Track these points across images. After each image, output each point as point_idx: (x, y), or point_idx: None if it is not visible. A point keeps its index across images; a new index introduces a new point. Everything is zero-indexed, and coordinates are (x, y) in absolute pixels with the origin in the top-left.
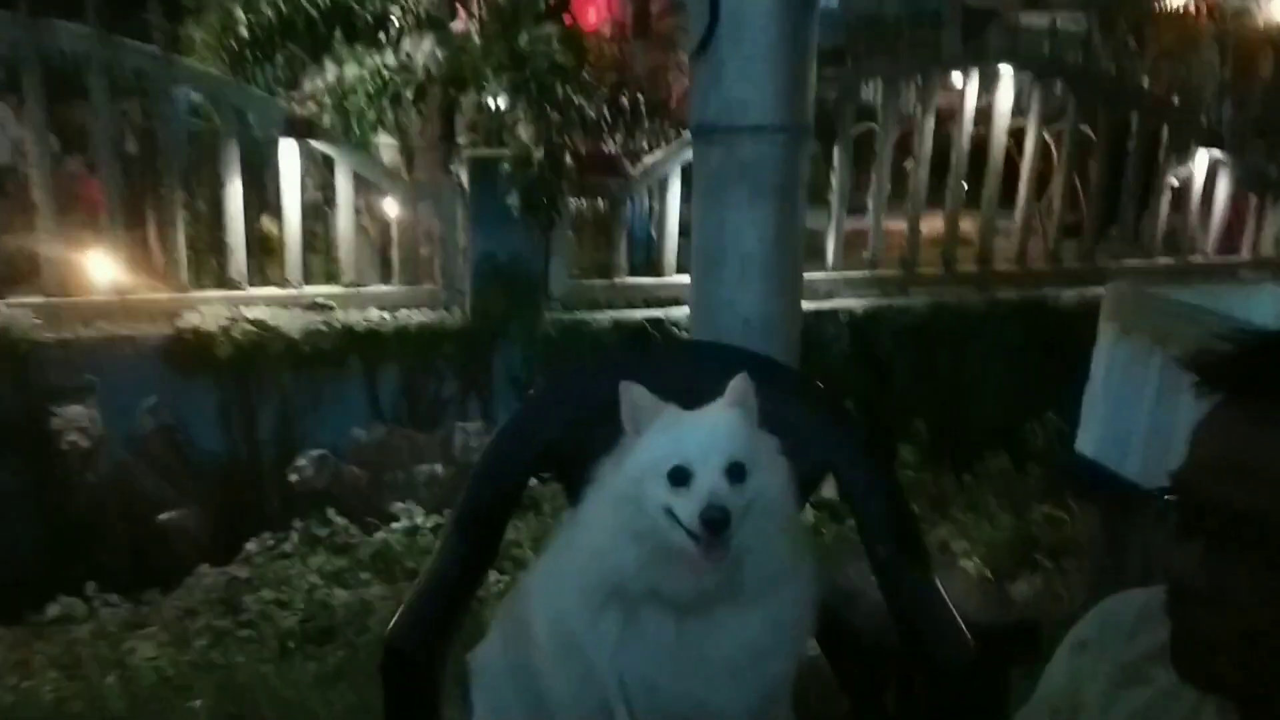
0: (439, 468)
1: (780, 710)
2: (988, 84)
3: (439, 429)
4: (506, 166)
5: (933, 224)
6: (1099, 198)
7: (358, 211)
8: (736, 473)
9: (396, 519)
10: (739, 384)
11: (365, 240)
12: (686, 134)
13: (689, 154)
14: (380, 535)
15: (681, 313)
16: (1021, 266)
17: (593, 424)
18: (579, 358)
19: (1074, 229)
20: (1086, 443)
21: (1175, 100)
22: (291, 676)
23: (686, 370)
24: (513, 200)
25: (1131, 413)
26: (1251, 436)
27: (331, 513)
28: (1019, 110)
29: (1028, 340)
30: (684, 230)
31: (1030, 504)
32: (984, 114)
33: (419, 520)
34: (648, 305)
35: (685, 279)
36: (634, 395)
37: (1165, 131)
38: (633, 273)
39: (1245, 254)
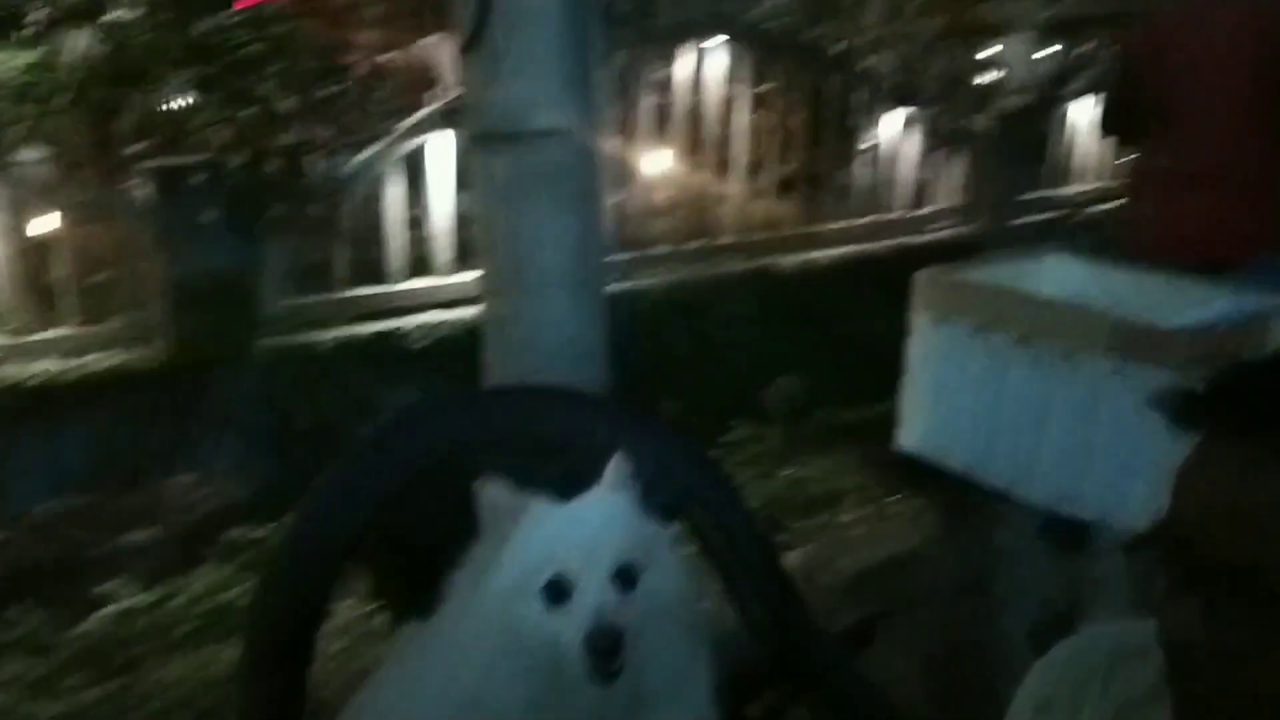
0: (151, 533)
1: None
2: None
3: (144, 489)
4: (199, 175)
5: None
6: (805, 163)
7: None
8: (626, 577)
9: (105, 602)
10: (618, 465)
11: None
12: (403, 124)
13: (408, 146)
14: (86, 626)
15: (417, 322)
16: (744, 236)
17: (419, 496)
18: (305, 388)
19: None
20: (909, 438)
21: (866, 61)
22: None
23: (518, 418)
24: (208, 215)
25: (957, 404)
26: (1244, 480)
27: (19, 609)
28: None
29: (757, 308)
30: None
31: (776, 469)
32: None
33: (133, 600)
34: (377, 318)
35: (419, 284)
36: (492, 495)
37: (862, 93)
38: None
39: (935, 206)
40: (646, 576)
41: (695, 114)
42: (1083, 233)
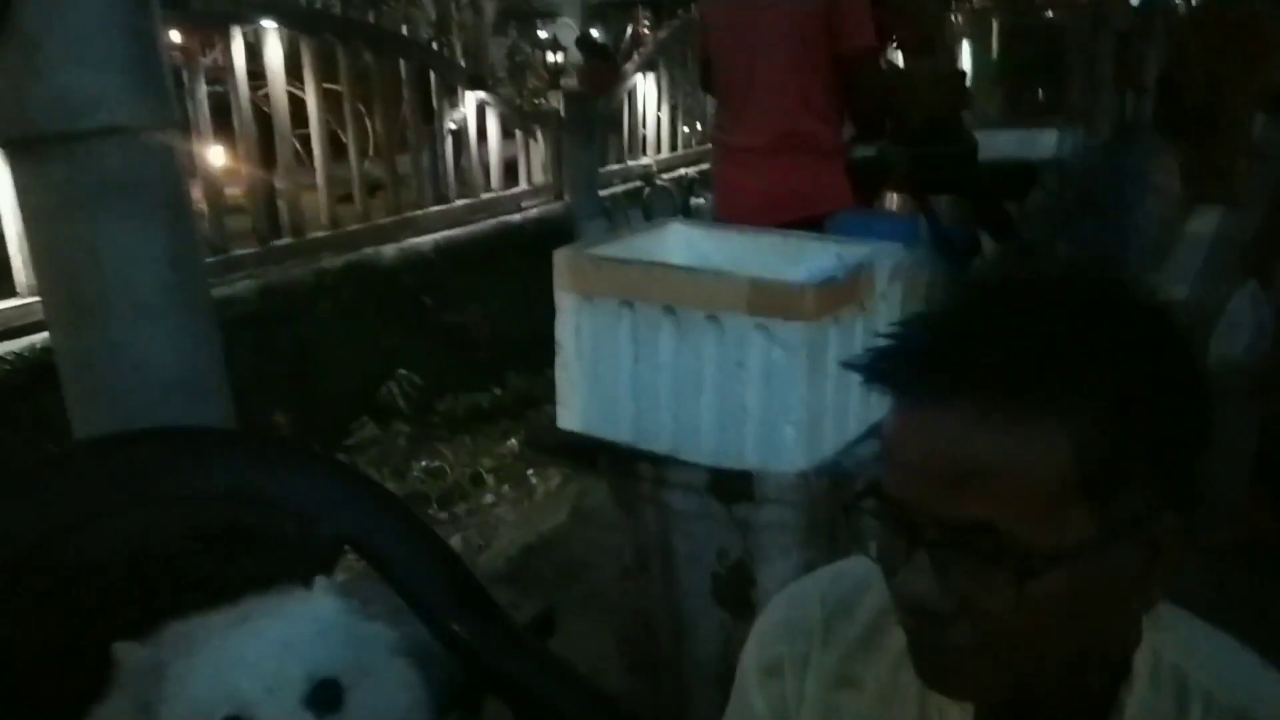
0: None
1: None
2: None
3: None
4: None
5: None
6: (388, 149)
7: None
8: (327, 697)
9: None
10: (322, 579)
11: None
12: None
13: None
14: None
15: None
16: (336, 229)
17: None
18: None
19: (378, 184)
20: (570, 417)
21: (436, 45)
22: None
23: (146, 478)
24: None
25: (613, 378)
26: (943, 439)
27: None
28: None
29: (361, 303)
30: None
31: (408, 463)
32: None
33: None
34: None
35: None
36: (131, 655)
37: (433, 77)
38: None
39: (524, 185)
40: (356, 693)
41: (260, 103)
42: (662, 198)
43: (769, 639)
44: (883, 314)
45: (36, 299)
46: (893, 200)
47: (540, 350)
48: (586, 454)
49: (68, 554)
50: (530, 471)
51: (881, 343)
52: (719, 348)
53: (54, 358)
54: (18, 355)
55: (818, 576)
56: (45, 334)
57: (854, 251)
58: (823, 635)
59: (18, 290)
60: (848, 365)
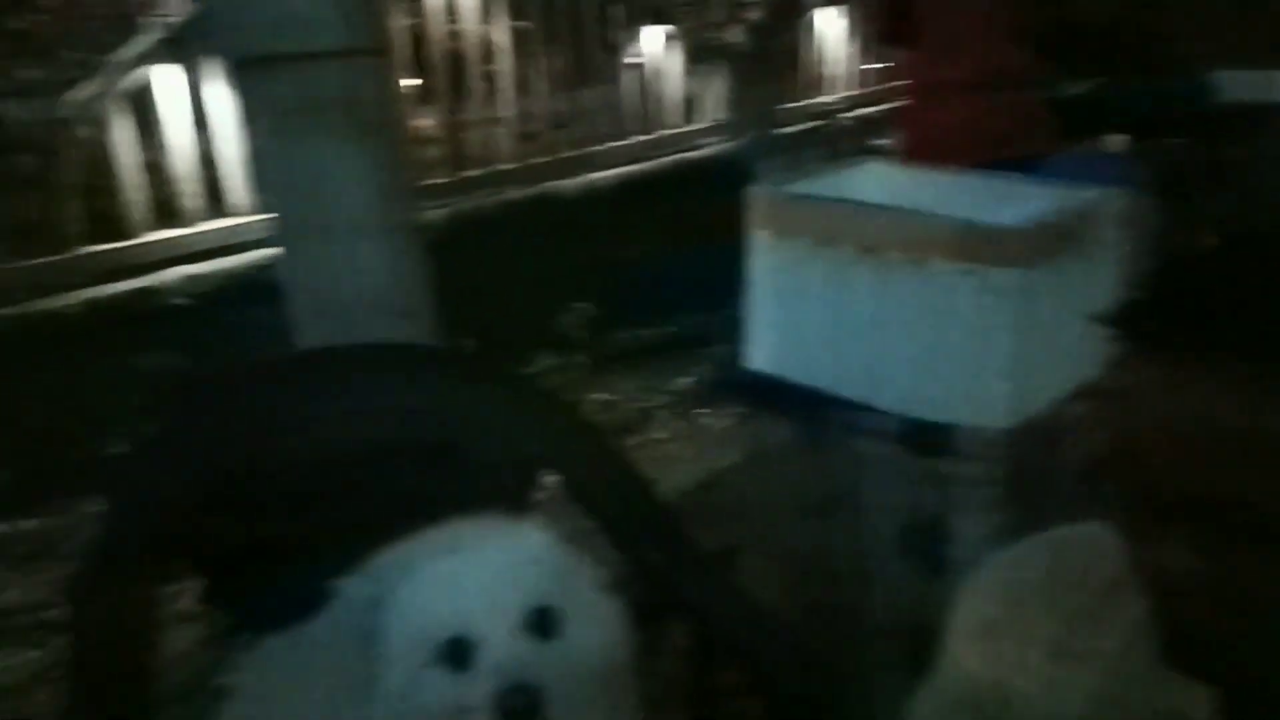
0: None
1: None
2: None
3: None
4: None
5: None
6: (572, 85)
7: None
8: (543, 624)
9: None
10: (538, 488)
11: None
12: (114, 57)
13: (131, 80)
14: None
15: (175, 276)
16: (521, 163)
17: (247, 481)
18: (55, 356)
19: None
20: (759, 357)
21: None
22: None
23: (364, 383)
24: None
25: (805, 320)
26: (1205, 402)
27: None
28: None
29: (543, 236)
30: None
31: (582, 395)
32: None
33: None
34: (123, 276)
35: (167, 235)
36: (347, 588)
37: (616, 12)
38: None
39: (703, 121)
40: (570, 625)
41: (452, 36)
42: (844, 137)
43: (987, 600)
44: (1100, 262)
45: (248, 219)
46: (1106, 142)
47: (715, 289)
48: (774, 396)
49: (283, 456)
50: (700, 409)
51: (1132, 294)
52: (921, 293)
53: (274, 274)
54: (232, 272)
55: (1046, 540)
56: (258, 252)
57: (1070, 195)
58: (1047, 602)
59: (230, 212)
60: (1098, 319)
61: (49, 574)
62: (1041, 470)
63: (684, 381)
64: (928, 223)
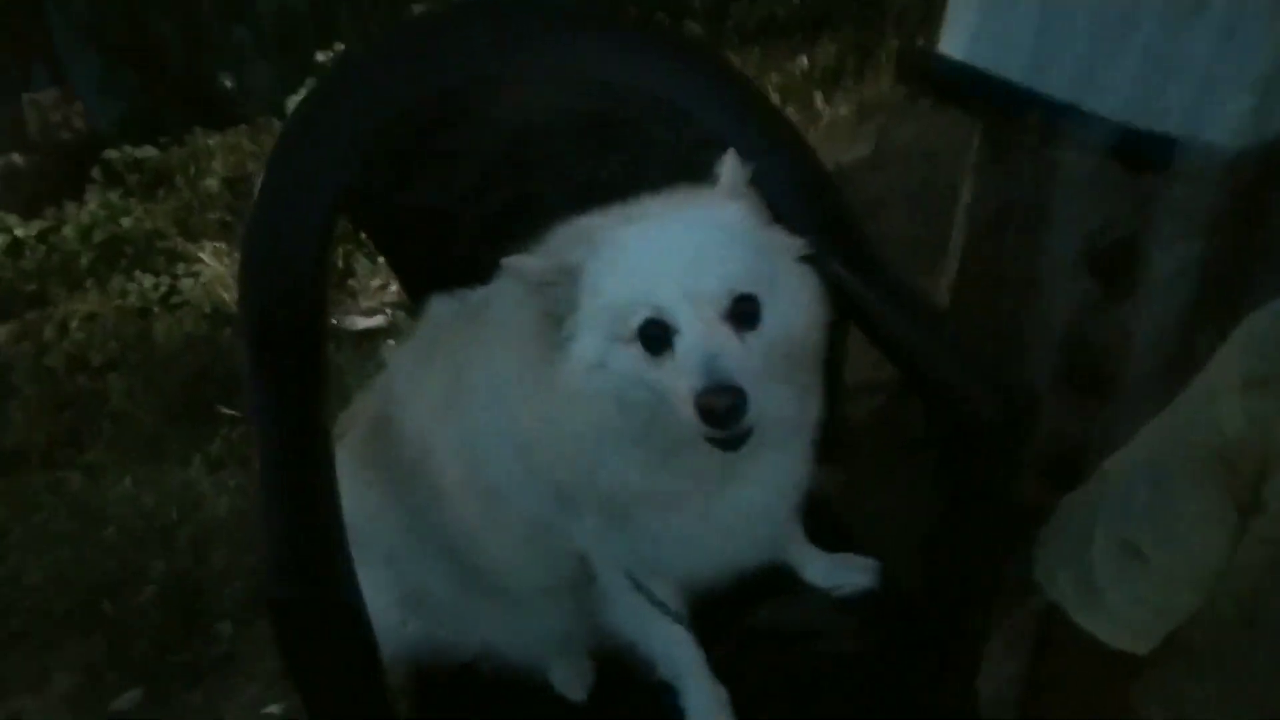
0: (16, 158)
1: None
2: None
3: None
4: None
5: None
6: None
7: None
8: (745, 312)
9: None
10: (731, 165)
11: None
12: None
13: None
14: None
15: None
16: None
17: (426, 139)
18: None
19: None
20: (956, 43)
21: None
22: None
23: (550, 46)
24: None
25: (1013, 7)
26: None
27: None
28: None
29: None
30: None
31: None
32: None
33: (18, 231)
34: None
35: None
36: (528, 265)
37: None
38: None
39: None
40: (771, 309)
41: None
42: None
43: (1249, 354)
44: None
45: None
46: None
47: None
48: (967, 88)
49: (449, 121)
50: (819, 95)
51: None
52: None
53: None
54: None
55: None
56: None
57: None
58: None
59: None
60: None
61: (167, 203)
62: (1264, 201)
63: (802, 63)
64: None
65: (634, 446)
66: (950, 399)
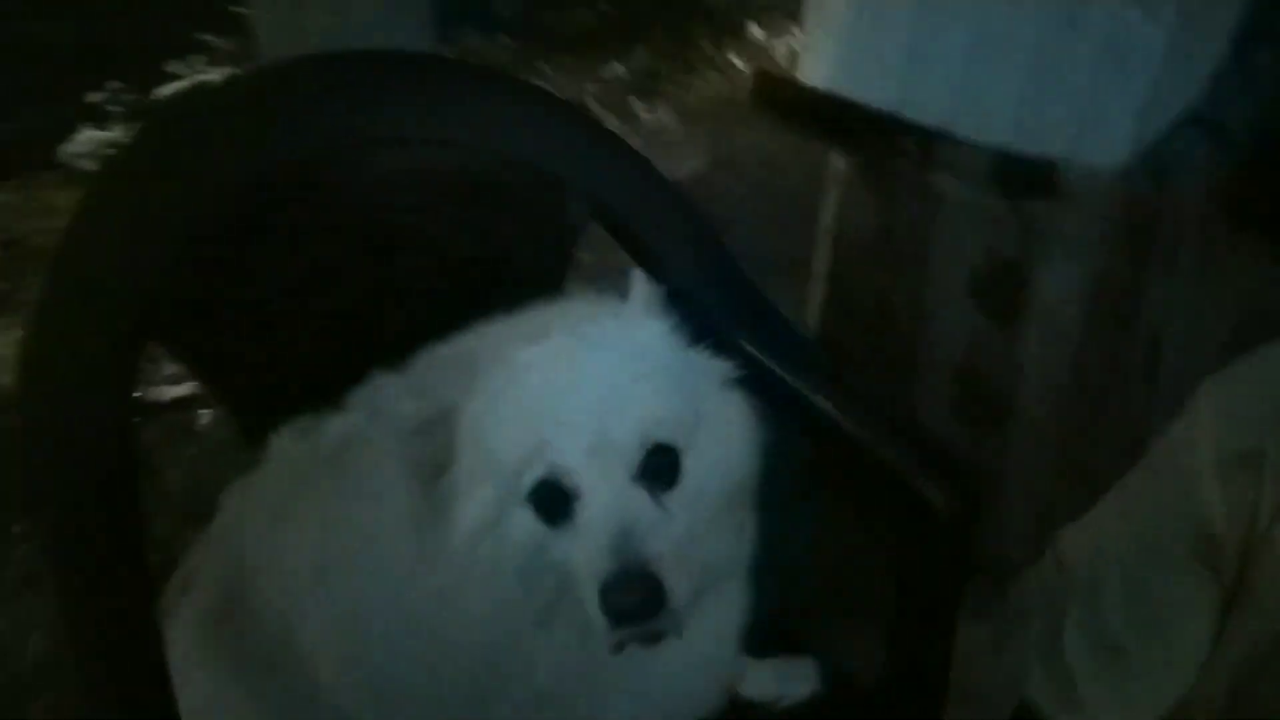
0: None
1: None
2: None
3: None
4: None
5: None
6: None
7: None
8: (662, 466)
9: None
10: (640, 285)
11: None
12: None
13: None
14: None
15: None
16: None
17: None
18: None
19: None
20: (819, 71)
21: None
22: None
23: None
24: None
25: (883, 29)
26: None
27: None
28: None
29: None
30: None
31: None
32: None
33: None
34: None
35: None
36: (398, 398)
37: None
38: None
39: None
40: (695, 456)
41: None
42: None
43: (1244, 424)
44: None
45: None
46: None
47: None
48: (834, 118)
49: (289, 197)
50: (636, 100)
51: None
52: (1042, 7)
53: None
54: None
55: None
56: None
57: None
58: None
59: None
60: None
61: None
62: (1147, 216)
63: (617, 70)
64: None
65: (543, 627)
66: (904, 489)
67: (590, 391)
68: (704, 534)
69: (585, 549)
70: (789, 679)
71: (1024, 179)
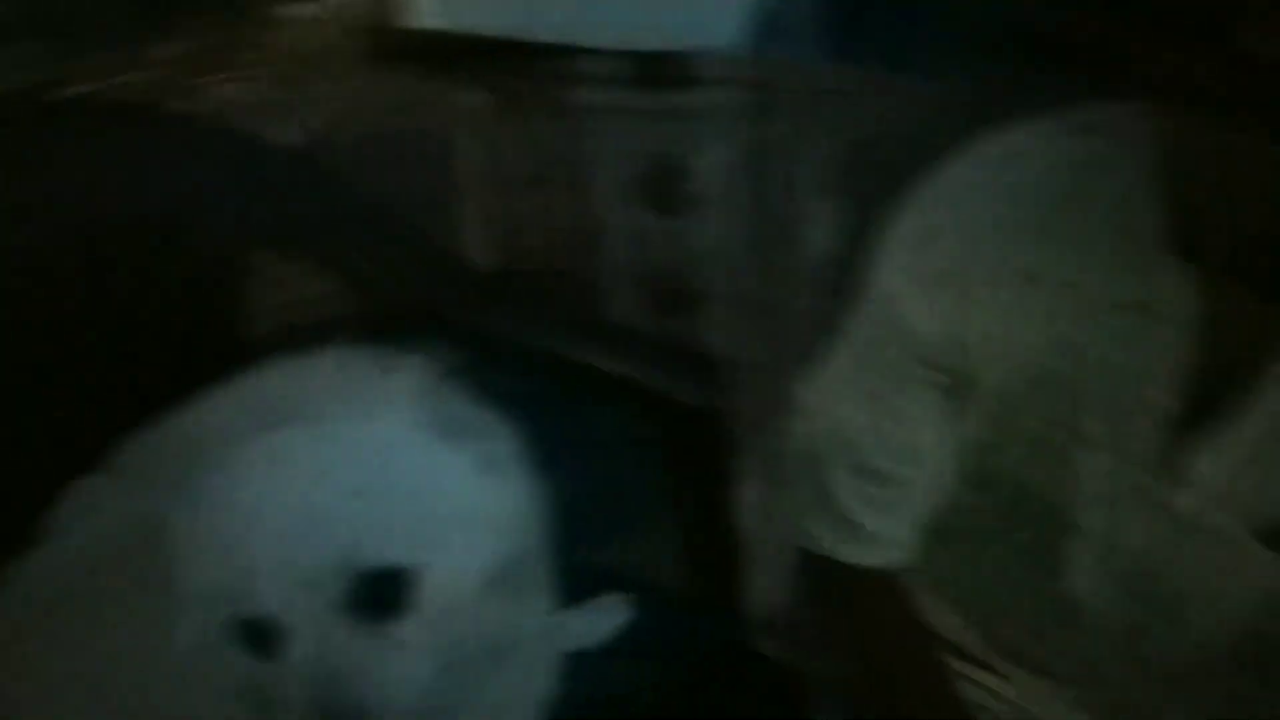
0: None
1: None
2: None
3: None
4: None
5: None
6: None
7: None
8: (381, 594)
9: None
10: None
11: None
12: None
13: None
14: None
15: None
16: None
17: None
18: None
19: None
20: (425, 10)
21: None
22: None
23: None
24: None
25: None
26: None
27: None
28: None
29: None
30: None
31: None
32: None
33: None
34: None
35: None
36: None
37: None
38: None
39: None
40: (434, 575)
41: None
42: None
43: (930, 247)
44: None
45: None
46: None
47: None
48: (457, 55)
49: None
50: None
51: None
52: None
53: None
54: None
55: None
56: None
57: None
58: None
59: None
60: None
61: None
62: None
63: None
64: None
65: None
66: (667, 401)
67: (294, 514)
68: (471, 646)
69: (294, 695)
70: (601, 616)
71: (660, 75)
